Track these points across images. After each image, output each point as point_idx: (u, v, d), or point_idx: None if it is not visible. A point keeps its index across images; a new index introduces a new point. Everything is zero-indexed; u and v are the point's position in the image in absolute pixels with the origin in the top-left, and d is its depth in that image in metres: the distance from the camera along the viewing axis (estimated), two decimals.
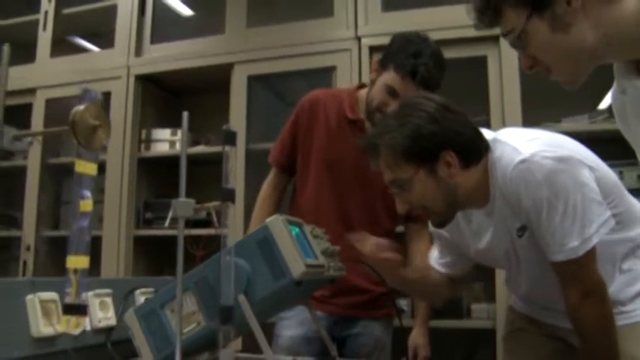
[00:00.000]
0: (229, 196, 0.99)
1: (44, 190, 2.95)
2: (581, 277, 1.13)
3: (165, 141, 2.79)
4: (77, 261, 0.72)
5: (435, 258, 1.47)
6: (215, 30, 2.73)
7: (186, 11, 3.13)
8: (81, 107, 0.72)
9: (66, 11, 3.06)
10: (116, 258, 2.65)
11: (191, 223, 1.64)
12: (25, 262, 2.84)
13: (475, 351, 2.47)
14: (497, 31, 1.55)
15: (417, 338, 1.77)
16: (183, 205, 1.03)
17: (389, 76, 1.60)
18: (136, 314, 1.19)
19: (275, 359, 1.06)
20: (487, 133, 1.26)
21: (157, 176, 2.88)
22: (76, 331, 0.79)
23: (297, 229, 1.14)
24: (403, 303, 2.30)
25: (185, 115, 1.09)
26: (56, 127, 2.92)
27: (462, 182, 1.20)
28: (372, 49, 2.35)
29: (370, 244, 1.29)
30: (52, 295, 1.12)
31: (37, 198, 2.90)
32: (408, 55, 1.57)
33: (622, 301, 1.19)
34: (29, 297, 1.07)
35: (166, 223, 0.95)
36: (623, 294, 1.20)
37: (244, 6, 2.67)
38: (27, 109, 3.06)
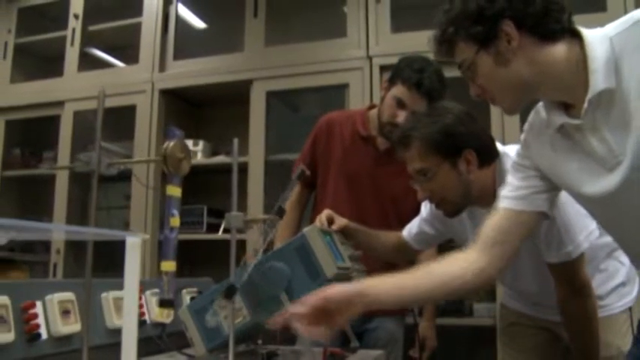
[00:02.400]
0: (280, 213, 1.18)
1: (72, 196, 3.14)
2: (572, 277, 1.32)
3: None
4: (168, 265, 0.91)
5: (411, 227, 1.67)
6: (235, 48, 2.91)
7: (200, 24, 3.33)
8: (171, 143, 0.91)
9: (92, 28, 3.25)
10: (142, 260, 2.84)
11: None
12: (55, 265, 3.03)
13: (477, 346, 2.66)
14: None
15: (426, 331, 1.97)
16: (235, 217, 1.23)
17: (397, 90, 1.80)
18: (188, 310, 1.38)
19: (310, 350, 1.25)
20: (498, 146, 1.46)
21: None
22: (168, 320, 0.96)
23: (328, 237, 1.34)
24: None
25: (235, 142, 1.28)
26: (81, 137, 3.10)
27: (476, 179, 1.39)
28: (383, 68, 2.53)
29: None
30: (119, 293, 1.32)
31: (66, 203, 3.07)
32: (414, 70, 1.78)
33: (601, 296, 1.40)
34: (104, 295, 1.27)
35: (220, 231, 1.09)
36: (600, 290, 1.40)
37: (262, 26, 2.86)
38: (55, 120, 3.25)
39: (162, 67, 3.02)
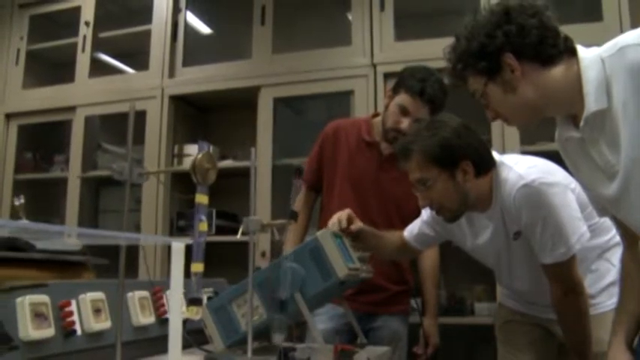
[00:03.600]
0: (294, 216, 1.27)
1: (83, 199, 3.22)
2: (565, 277, 1.42)
3: None
4: (197, 266, 1.00)
5: (412, 229, 1.76)
6: (242, 55, 3.00)
7: (208, 32, 3.42)
8: (199, 155, 1.00)
9: (102, 35, 3.34)
10: (153, 263, 2.92)
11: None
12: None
13: (478, 343, 2.75)
14: None
15: (429, 328, 2.06)
16: (253, 221, 1.31)
17: (400, 98, 1.90)
18: (208, 308, 1.47)
19: (325, 346, 1.33)
20: (495, 155, 1.54)
21: (188, 188, 3.15)
22: (197, 317, 1.03)
23: (339, 240, 1.43)
24: (412, 302, 2.57)
25: (253, 151, 1.37)
26: (92, 141, 3.18)
27: (473, 188, 1.47)
28: (387, 75, 2.62)
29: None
30: (144, 293, 1.41)
31: (78, 207, 3.16)
32: (417, 80, 1.88)
33: (592, 295, 1.49)
34: (129, 294, 1.35)
35: (239, 235, 1.14)
36: (592, 289, 1.49)
37: (269, 34, 2.94)
38: (65, 124, 3.34)
39: (171, 74, 3.10)
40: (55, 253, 0.63)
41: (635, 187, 1.04)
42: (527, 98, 1.14)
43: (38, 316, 1.03)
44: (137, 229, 3.06)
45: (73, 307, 1.16)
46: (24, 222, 1.03)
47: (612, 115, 1.03)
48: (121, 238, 0.70)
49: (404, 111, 1.89)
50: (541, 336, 1.67)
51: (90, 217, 3.27)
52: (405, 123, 1.87)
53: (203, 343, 1.49)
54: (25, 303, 1.02)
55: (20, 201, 1.13)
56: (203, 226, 0.97)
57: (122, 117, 3.33)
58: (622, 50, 1.01)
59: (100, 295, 1.24)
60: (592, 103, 1.05)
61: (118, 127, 3.41)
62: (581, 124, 1.08)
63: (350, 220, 1.61)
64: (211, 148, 2.96)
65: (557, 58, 1.11)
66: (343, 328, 1.91)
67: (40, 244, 0.55)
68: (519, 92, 1.14)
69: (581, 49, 1.12)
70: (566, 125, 1.17)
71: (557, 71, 1.11)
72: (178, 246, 0.69)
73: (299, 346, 1.35)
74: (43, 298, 1.07)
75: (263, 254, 2.72)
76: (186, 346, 1.51)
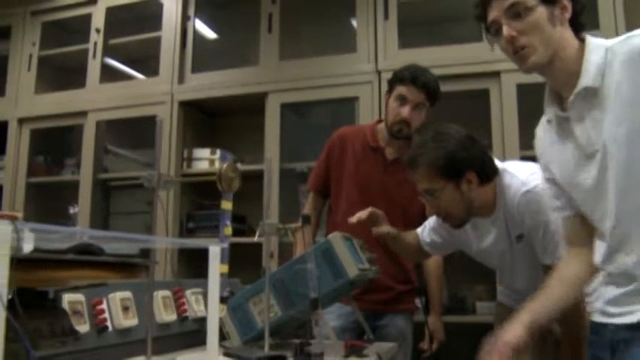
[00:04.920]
0: (307, 220, 1.36)
1: (95, 201, 3.31)
2: None
3: (205, 159, 3.14)
4: (222, 268, 1.09)
5: (424, 235, 1.85)
6: (250, 62, 3.09)
7: (217, 39, 3.50)
8: (224, 165, 1.09)
9: (113, 41, 3.43)
10: (163, 263, 3.00)
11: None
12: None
13: (479, 341, 2.83)
14: (498, 67, 2.01)
15: (434, 325, 2.15)
16: (269, 225, 1.40)
17: (396, 91, 2.04)
18: (226, 307, 1.55)
19: (336, 342, 1.42)
20: (497, 162, 1.63)
21: (197, 190, 3.23)
22: (222, 314, 1.11)
23: (349, 243, 1.51)
24: (417, 301, 2.66)
25: (267, 158, 1.45)
26: (102, 144, 3.26)
27: (477, 196, 1.56)
28: None
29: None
30: (166, 292, 1.49)
31: (89, 209, 3.24)
32: (408, 71, 2.03)
33: (588, 293, 1.57)
34: (155, 293, 1.44)
35: (256, 237, 1.21)
36: (588, 288, 1.58)
37: (276, 41, 3.03)
38: (75, 129, 3.43)
39: (181, 80, 3.19)
40: (119, 257, 0.72)
41: (613, 167, 1.10)
42: (559, 38, 1.16)
43: (75, 313, 1.12)
44: (148, 230, 3.14)
45: (105, 305, 1.25)
46: (103, 232, 1.10)
47: (602, 94, 1.10)
48: (167, 242, 0.78)
49: (402, 99, 2.00)
50: (539, 333, 1.75)
51: (101, 219, 3.35)
52: (405, 110, 1.99)
53: (221, 340, 1.58)
54: (64, 301, 1.11)
55: (75, 210, 1.21)
56: (228, 230, 1.06)
57: (132, 122, 3.41)
58: (629, 38, 1.09)
59: (127, 294, 1.32)
60: (587, 79, 1.11)
61: (129, 132, 3.51)
62: (571, 98, 1.14)
63: (374, 218, 1.76)
64: (219, 152, 3.06)
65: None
66: (351, 326, 2.00)
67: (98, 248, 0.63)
68: (557, 29, 1.16)
69: (590, 37, 1.18)
70: (553, 105, 1.22)
71: (573, 38, 1.17)
72: (215, 249, 0.77)
73: (313, 342, 1.44)
74: (79, 297, 1.16)
75: (272, 255, 2.80)
76: (204, 342, 1.61)
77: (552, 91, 1.24)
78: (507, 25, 1.19)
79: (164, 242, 0.89)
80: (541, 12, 1.16)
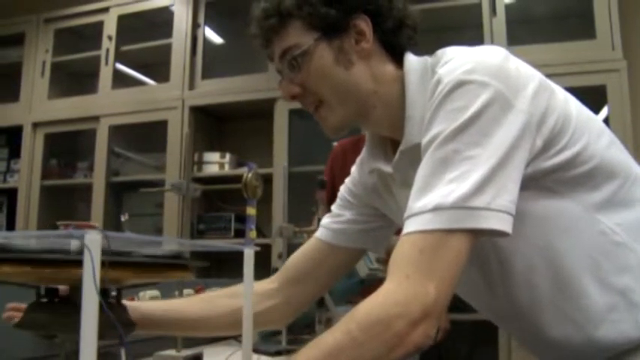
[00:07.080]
0: None
1: (107, 204, 3.41)
2: None
3: (215, 163, 3.25)
4: None
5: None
6: (259, 68, 3.19)
7: (226, 46, 3.61)
8: (249, 174, 1.19)
9: (124, 48, 3.53)
10: None
11: None
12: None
13: (479, 338, 2.95)
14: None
15: None
16: (285, 228, 1.51)
17: None
18: None
19: None
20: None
21: (207, 193, 3.34)
22: None
23: None
24: None
25: (284, 167, 1.56)
26: (113, 149, 3.36)
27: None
28: None
29: None
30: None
31: (102, 211, 3.35)
32: None
33: None
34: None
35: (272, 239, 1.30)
36: None
37: None
38: (87, 133, 3.54)
39: (191, 86, 3.30)
40: (169, 258, 0.82)
41: None
42: (358, 83, 0.86)
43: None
44: (159, 232, 3.26)
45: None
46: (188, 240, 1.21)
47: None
48: (208, 246, 0.88)
49: None
50: None
51: (113, 221, 3.45)
52: None
53: (238, 335, 1.69)
54: None
55: (125, 217, 1.32)
56: (252, 234, 1.17)
57: (144, 126, 3.52)
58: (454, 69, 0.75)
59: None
60: (415, 133, 0.81)
61: (141, 136, 3.62)
62: (395, 158, 0.87)
63: None
64: (228, 156, 3.16)
65: (399, 57, 0.87)
66: None
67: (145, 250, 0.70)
68: (353, 72, 0.86)
69: (408, 63, 0.86)
70: (377, 153, 0.96)
71: (391, 71, 0.87)
72: (249, 252, 0.88)
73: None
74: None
75: (280, 256, 2.91)
76: (222, 338, 1.72)
77: (375, 138, 0.97)
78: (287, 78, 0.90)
79: (201, 245, 0.98)
80: (322, 54, 0.85)
